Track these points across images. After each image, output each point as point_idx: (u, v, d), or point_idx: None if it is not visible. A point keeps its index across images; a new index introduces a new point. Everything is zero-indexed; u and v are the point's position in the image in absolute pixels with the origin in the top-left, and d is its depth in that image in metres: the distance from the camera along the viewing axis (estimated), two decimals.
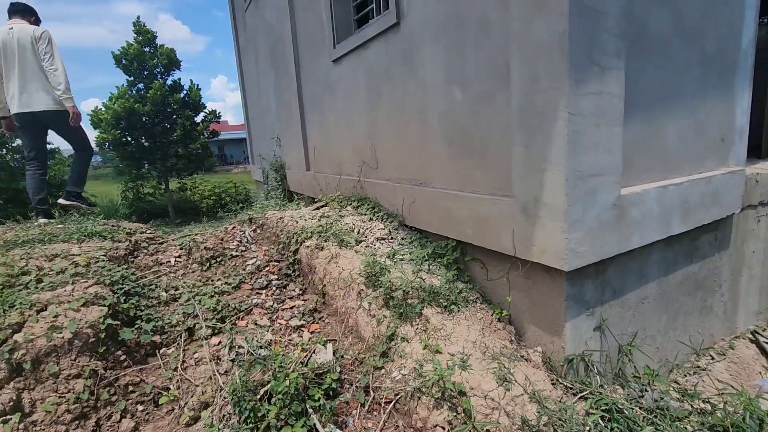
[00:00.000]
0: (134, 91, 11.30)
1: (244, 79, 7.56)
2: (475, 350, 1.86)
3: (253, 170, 7.91)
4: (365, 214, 3.02)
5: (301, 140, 4.65)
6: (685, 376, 2.33)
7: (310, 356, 1.87)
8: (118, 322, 1.81)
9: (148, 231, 2.99)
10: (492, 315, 2.11)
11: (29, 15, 3.54)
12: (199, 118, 11.95)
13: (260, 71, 6.17)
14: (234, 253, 2.73)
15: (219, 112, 12.30)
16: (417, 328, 1.96)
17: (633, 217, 1.85)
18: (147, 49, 11.30)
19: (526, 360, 1.88)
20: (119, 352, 1.75)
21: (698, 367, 2.39)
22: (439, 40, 2.24)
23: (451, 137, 2.27)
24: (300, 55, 4.39)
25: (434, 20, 2.25)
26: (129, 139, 10.80)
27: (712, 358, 2.47)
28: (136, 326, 1.89)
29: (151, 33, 11.40)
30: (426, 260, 2.40)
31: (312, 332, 2.09)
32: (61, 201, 3.56)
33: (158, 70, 11.47)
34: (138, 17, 11.38)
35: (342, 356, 1.92)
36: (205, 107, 12.05)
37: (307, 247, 2.53)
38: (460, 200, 2.23)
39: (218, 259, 2.65)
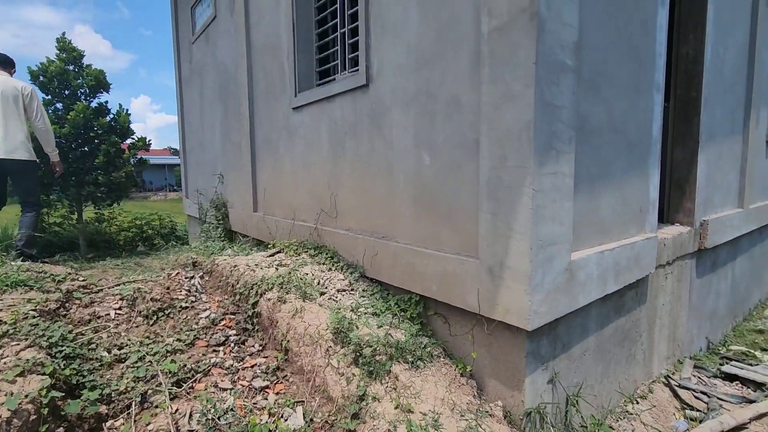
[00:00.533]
0: (51, 111, 10.19)
1: (183, 109, 7.27)
2: (444, 408, 1.91)
3: (187, 204, 7.47)
4: (324, 264, 3.02)
5: (249, 181, 4.56)
6: (617, 420, 2.58)
7: (279, 421, 1.80)
8: (62, 394, 1.59)
9: (80, 278, 2.69)
10: (455, 370, 2.20)
11: (10, 67, 3.82)
12: (126, 144, 11.04)
13: (205, 105, 6.00)
14: (184, 305, 2.55)
15: (149, 140, 11.52)
16: (387, 386, 1.98)
17: (580, 279, 2.09)
18: (71, 68, 10.37)
19: (490, 415, 1.98)
20: (60, 430, 1.52)
21: (627, 411, 2.67)
22: (409, 107, 2.42)
23: (418, 197, 2.42)
24: (255, 97, 4.38)
25: (404, 91, 2.44)
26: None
27: (637, 402, 2.78)
28: (80, 396, 1.67)
29: (78, 51, 10.51)
30: (390, 314, 2.45)
31: (277, 393, 2.00)
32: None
33: (83, 91, 10.53)
34: (63, 33, 10.46)
35: (311, 419, 1.86)
36: (133, 133, 11.20)
37: (269, 299, 2.45)
38: (426, 257, 2.35)
39: (166, 312, 2.45)
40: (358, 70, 2.88)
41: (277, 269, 2.84)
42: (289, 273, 2.70)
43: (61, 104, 10.43)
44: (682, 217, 3.38)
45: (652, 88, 2.61)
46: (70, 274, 2.71)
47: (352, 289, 2.73)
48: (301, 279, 2.65)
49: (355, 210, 2.98)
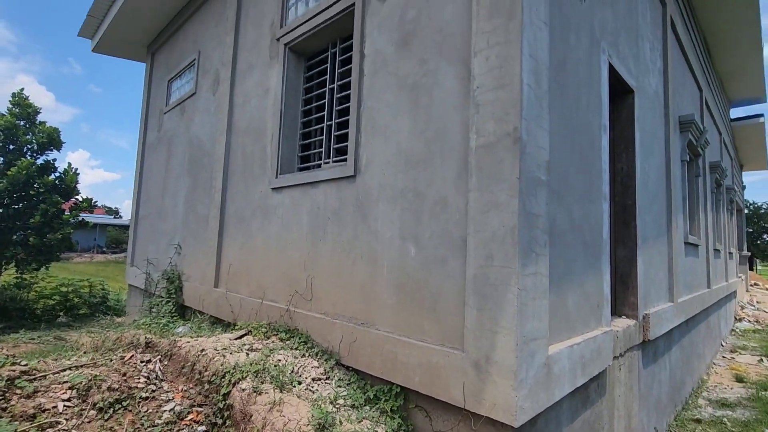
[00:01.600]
0: None
1: (143, 175, 7.08)
2: None
3: (131, 273, 6.95)
4: (296, 349, 2.92)
5: (213, 254, 4.43)
6: None
7: None
8: None
9: (22, 362, 2.38)
10: None
11: None
12: (69, 204, 10.28)
13: (170, 174, 5.92)
14: (144, 395, 2.32)
15: (95, 201, 10.82)
16: None
17: (555, 373, 2.21)
18: (22, 123, 9.86)
19: None
20: None
21: None
22: (396, 202, 2.60)
23: (402, 286, 2.51)
24: (230, 174, 4.44)
25: (392, 186, 2.64)
26: None
27: None
28: None
29: (34, 108, 10.09)
30: (369, 407, 2.39)
31: None
32: None
33: (30, 146, 9.94)
34: (22, 89, 10.08)
35: None
36: (78, 193, 10.52)
37: (243, 389, 2.31)
38: (408, 346, 2.38)
39: (124, 404, 2.21)
40: (346, 161, 3.09)
41: (248, 355, 2.71)
42: (264, 360, 2.59)
43: (2, 158, 9.70)
44: (627, 310, 3.72)
45: (600, 197, 3.04)
46: (9, 357, 2.40)
47: (327, 378, 2.65)
48: (275, 367, 2.54)
49: (333, 294, 2.99)
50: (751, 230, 37.66)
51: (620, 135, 3.86)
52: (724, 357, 8.09)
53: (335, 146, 3.41)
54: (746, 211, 30.01)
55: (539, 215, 2.10)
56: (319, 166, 3.56)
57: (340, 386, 2.57)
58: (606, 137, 3.16)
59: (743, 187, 18.38)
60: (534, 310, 2.04)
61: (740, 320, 12.39)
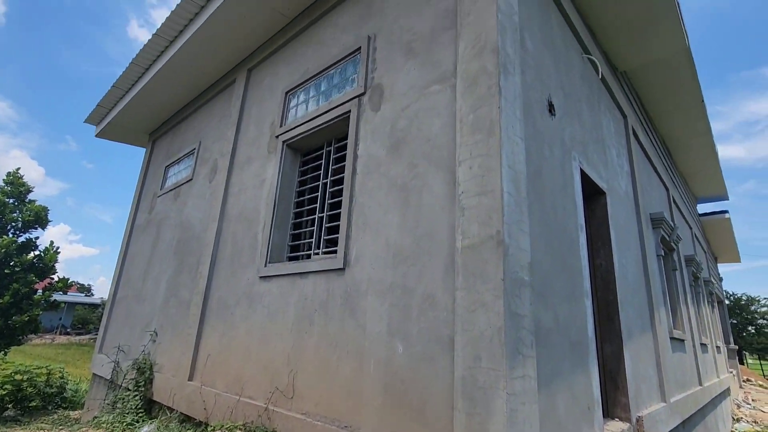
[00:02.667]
0: None
1: (126, 257, 7.00)
2: None
3: (98, 361, 6.51)
4: None
5: (192, 344, 4.25)
6: None
7: None
8: None
9: None
10: None
11: None
12: (43, 284, 9.90)
13: (156, 257, 5.88)
14: None
15: (70, 281, 10.45)
16: None
17: None
18: (11, 201, 9.89)
19: None
20: None
21: None
22: (385, 297, 2.64)
23: (389, 385, 2.43)
24: (218, 259, 4.45)
25: (381, 281, 2.70)
26: None
27: None
28: None
29: (26, 187, 10.23)
30: None
31: None
32: None
33: (15, 224, 9.85)
34: (18, 169, 10.30)
35: None
36: (55, 272, 10.20)
37: None
38: None
39: None
40: (335, 253, 3.16)
41: None
42: None
43: None
44: (620, 412, 3.60)
45: (582, 294, 3.12)
46: None
47: None
48: None
49: (316, 392, 2.86)
50: (735, 322, 37.76)
51: (597, 232, 4.08)
52: None
53: (326, 237, 3.51)
54: (727, 302, 30.39)
55: (524, 315, 2.15)
56: (309, 256, 3.63)
57: None
58: (583, 235, 3.34)
59: (720, 279, 18.86)
60: (524, 416, 1.99)
61: (738, 420, 11.89)
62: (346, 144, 3.61)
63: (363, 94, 3.40)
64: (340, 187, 3.48)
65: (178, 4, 4.69)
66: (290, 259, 3.84)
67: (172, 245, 5.52)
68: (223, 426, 3.11)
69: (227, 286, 4.16)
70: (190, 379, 4.13)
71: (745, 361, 36.25)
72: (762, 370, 37.30)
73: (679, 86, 6.10)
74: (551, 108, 3.18)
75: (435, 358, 2.26)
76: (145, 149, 7.95)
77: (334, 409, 2.70)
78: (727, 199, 12.29)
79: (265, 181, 4.18)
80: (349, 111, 3.47)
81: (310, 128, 3.85)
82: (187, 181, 5.74)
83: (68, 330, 38.18)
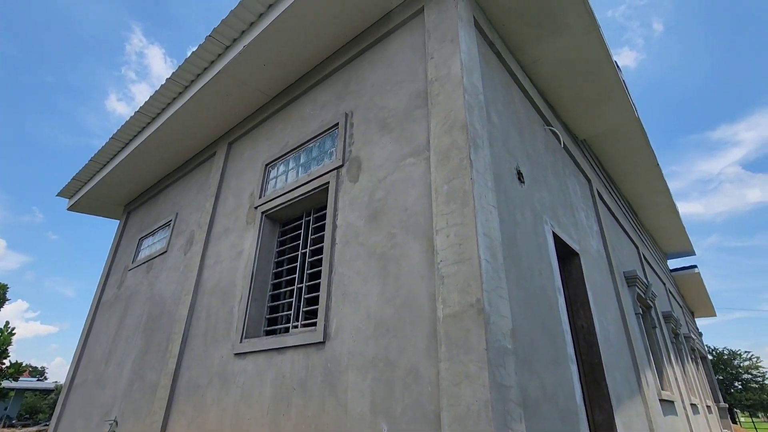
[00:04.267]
0: None
1: (89, 336, 6.55)
2: None
3: None
4: None
5: None
6: None
7: None
8: None
9: None
10: None
11: None
12: None
13: (122, 335, 5.53)
14: None
15: (24, 365, 9.57)
16: None
17: None
18: None
19: None
20: None
21: None
22: (367, 371, 2.53)
23: None
24: (190, 336, 4.23)
25: (362, 354, 2.60)
26: None
27: None
28: None
29: None
30: None
31: None
32: None
33: None
34: None
35: None
36: (8, 356, 9.35)
37: None
38: None
39: None
40: (315, 325, 3.07)
41: None
42: None
43: None
44: None
45: (567, 359, 3.08)
46: None
47: None
48: None
49: None
50: (721, 378, 37.42)
51: (574, 294, 4.13)
52: None
53: (305, 309, 3.42)
54: (710, 357, 30.29)
55: (510, 386, 2.09)
56: (287, 329, 3.50)
57: None
58: (562, 298, 3.38)
59: (700, 334, 19.00)
60: None
61: None
62: (325, 214, 3.66)
63: (341, 166, 3.53)
64: (320, 257, 3.47)
65: (162, 84, 4.90)
66: (267, 333, 3.69)
67: (141, 322, 5.23)
68: None
69: (199, 365, 3.91)
70: None
71: (737, 420, 35.39)
72: (755, 428, 36.37)
73: (634, 151, 6.59)
74: (520, 176, 3.37)
75: None
76: (118, 221, 7.81)
77: None
78: (694, 254, 12.80)
79: (242, 252, 4.13)
80: (328, 182, 3.56)
81: (290, 199, 3.91)
82: (162, 254, 5.60)
83: (13, 421, 34.17)
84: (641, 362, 5.02)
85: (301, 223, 3.99)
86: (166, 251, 5.53)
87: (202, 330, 4.12)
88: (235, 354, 3.54)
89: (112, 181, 6.69)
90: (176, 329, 4.37)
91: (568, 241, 4.07)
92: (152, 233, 6.31)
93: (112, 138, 5.94)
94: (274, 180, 4.34)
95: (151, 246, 6.18)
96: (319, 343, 2.90)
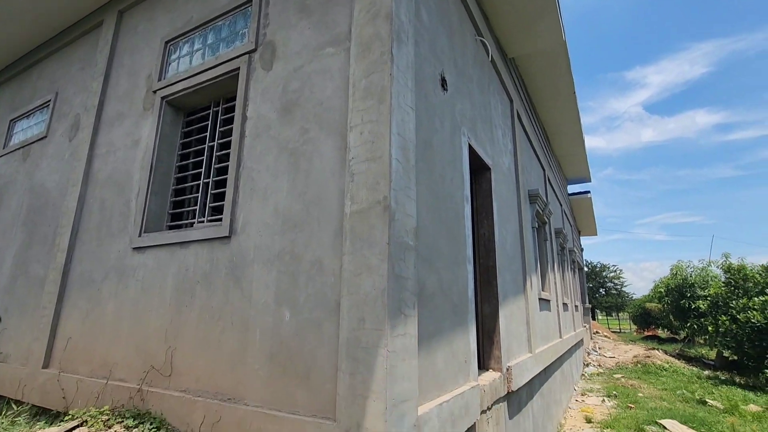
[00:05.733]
0: None
1: None
2: None
3: None
4: None
5: (47, 326, 3.67)
6: None
7: None
8: None
9: None
10: None
11: None
12: None
13: None
14: None
15: None
16: None
17: None
18: None
19: None
20: None
21: None
22: (273, 264, 2.54)
23: (275, 354, 2.37)
24: (81, 229, 3.86)
25: (269, 248, 2.58)
26: None
27: None
28: None
29: None
30: None
31: None
32: None
33: None
34: None
35: None
36: None
37: None
38: (279, 421, 2.21)
39: None
40: (221, 220, 2.94)
41: None
42: None
43: None
44: (493, 363, 4.04)
45: (466, 260, 3.37)
46: None
47: None
48: None
49: (197, 367, 2.68)
50: (591, 285, 45.17)
51: (482, 205, 4.42)
52: (576, 400, 9.14)
53: (211, 204, 3.25)
54: (586, 269, 36.17)
55: (408, 278, 2.24)
56: (192, 224, 3.33)
57: None
58: (468, 207, 3.59)
59: (582, 250, 22.19)
60: (403, 372, 2.09)
61: (587, 365, 14.29)
62: (234, 104, 3.33)
63: (254, 50, 3.14)
64: (228, 151, 3.22)
65: None
66: (171, 228, 3.48)
67: (19, 215, 4.64)
68: (85, 413, 2.76)
69: (92, 258, 3.64)
70: (46, 366, 3.59)
71: (596, 317, 43.78)
72: (608, 323, 45.33)
73: (556, 76, 6.81)
74: (444, 83, 3.30)
75: (321, 323, 2.25)
76: None
77: (217, 384, 2.56)
78: (591, 182, 14.35)
79: (140, 141, 3.69)
80: (239, 68, 3.19)
81: (195, 84, 3.46)
82: (41, 139, 4.83)
83: None
84: (529, 268, 5.74)
85: (209, 113, 3.62)
86: (46, 136, 4.77)
87: (95, 223, 3.77)
88: (134, 248, 3.33)
89: None
90: (64, 222, 3.95)
91: (483, 156, 4.24)
92: (27, 115, 5.35)
93: None
94: (177, 61, 3.79)
95: (27, 130, 5.28)
96: (225, 237, 2.81)
